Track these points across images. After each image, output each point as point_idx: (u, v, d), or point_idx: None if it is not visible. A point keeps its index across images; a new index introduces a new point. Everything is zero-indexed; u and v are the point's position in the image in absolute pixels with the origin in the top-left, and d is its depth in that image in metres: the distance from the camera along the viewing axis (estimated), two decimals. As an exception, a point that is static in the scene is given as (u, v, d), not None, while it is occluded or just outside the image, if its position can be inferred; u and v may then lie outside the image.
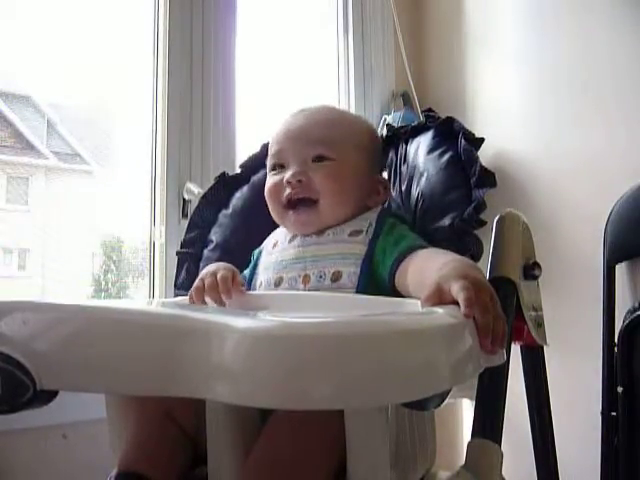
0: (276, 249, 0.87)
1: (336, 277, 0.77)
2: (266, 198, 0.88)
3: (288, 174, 0.84)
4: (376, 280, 0.77)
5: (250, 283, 0.87)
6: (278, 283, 0.82)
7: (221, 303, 0.77)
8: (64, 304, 0.50)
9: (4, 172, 1.36)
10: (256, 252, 0.92)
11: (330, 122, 0.88)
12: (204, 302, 0.78)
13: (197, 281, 0.80)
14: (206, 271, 0.82)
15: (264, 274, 0.85)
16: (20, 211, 1.40)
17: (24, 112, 1.37)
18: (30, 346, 0.46)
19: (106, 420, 0.68)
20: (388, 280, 0.76)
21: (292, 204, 0.84)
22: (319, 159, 0.84)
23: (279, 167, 0.87)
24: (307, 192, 0.83)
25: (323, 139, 0.84)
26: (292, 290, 0.80)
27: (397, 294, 0.75)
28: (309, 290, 0.79)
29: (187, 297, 0.84)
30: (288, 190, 0.84)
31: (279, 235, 0.89)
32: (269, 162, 0.89)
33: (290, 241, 0.86)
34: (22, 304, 0.49)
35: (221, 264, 0.85)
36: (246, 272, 0.90)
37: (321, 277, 0.78)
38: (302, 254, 0.82)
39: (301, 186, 0.83)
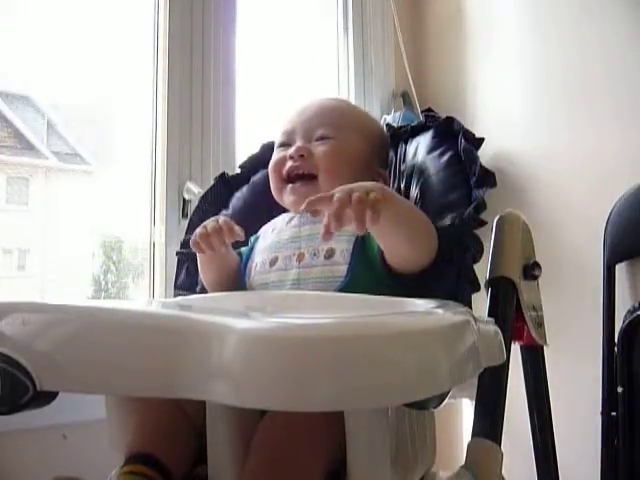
0: (274, 233, 0.89)
1: (329, 254, 0.80)
2: (269, 174, 0.92)
3: (291, 149, 0.88)
4: (368, 257, 0.79)
5: (246, 266, 0.89)
6: (273, 263, 0.84)
7: (224, 244, 0.80)
8: (64, 305, 0.50)
9: (4, 172, 1.36)
10: (253, 238, 0.93)
11: (340, 109, 0.93)
12: (210, 247, 0.79)
13: (199, 229, 0.81)
14: (204, 223, 0.83)
15: (260, 256, 0.87)
16: (20, 211, 1.40)
17: (24, 112, 1.37)
18: (30, 347, 0.45)
19: (106, 420, 0.68)
20: (380, 257, 0.77)
21: (291, 179, 0.88)
22: (322, 138, 0.88)
23: (286, 145, 0.90)
24: (307, 168, 0.86)
25: (329, 122, 0.89)
26: (286, 269, 0.82)
27: (387, 270, 0.76)
28: (303, 267, 0.81)
29: (187, 297, 0.84)
30: (289, 164, 0.87)
31: (278, 222, 0.91)
32: (277, 140, 0.93)
33: (288, 223, 0.88)
34: (22, 305, 0.49)
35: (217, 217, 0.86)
36: (243, 249, 0.91)
37: (315, 254, 0.81)
38: (298, 234, 0.85)
39: (302, 161, 0.87)
